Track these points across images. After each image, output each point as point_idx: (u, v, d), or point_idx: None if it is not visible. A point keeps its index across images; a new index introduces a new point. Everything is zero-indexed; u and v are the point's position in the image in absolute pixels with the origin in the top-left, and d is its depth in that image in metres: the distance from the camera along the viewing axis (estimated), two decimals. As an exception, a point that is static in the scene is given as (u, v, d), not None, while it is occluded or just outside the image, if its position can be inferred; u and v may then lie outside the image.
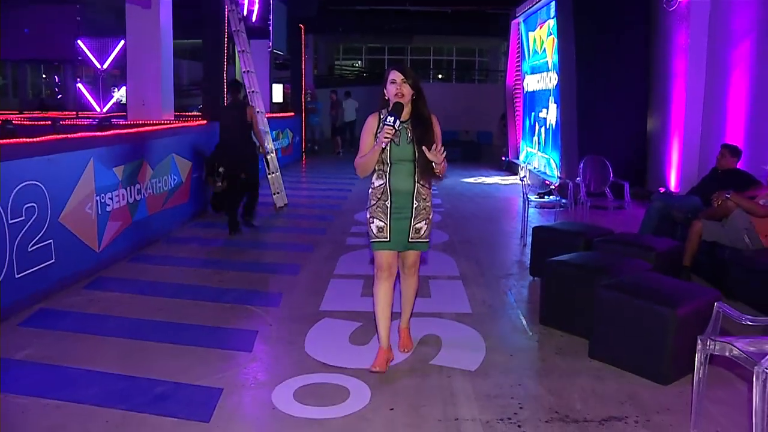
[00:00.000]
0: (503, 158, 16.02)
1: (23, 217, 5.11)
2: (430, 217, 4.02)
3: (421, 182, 3.92)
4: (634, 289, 4.15)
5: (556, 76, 11.73)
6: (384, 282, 3.98)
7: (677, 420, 3.52)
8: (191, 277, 6.28)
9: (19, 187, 5.05)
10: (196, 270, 6.51)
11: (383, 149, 3.83)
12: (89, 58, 12.43)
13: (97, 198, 6.26)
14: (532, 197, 8.30)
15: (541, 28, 13.01)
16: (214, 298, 5.60)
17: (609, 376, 4.05)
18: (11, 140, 5.47)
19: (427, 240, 4.06)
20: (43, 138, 5.77)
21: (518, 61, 15.71)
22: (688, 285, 4.48)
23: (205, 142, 9.54)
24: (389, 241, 3.94)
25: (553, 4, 11.52)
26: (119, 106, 13.44)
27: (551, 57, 12.18)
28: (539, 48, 13.26)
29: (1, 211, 4.83)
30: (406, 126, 3.88)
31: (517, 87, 15.81)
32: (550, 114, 12.45)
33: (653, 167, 11.01)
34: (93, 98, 12.86)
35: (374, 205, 3.97)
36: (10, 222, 4.95)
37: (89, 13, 13.35)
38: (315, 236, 8.05)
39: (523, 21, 14.80)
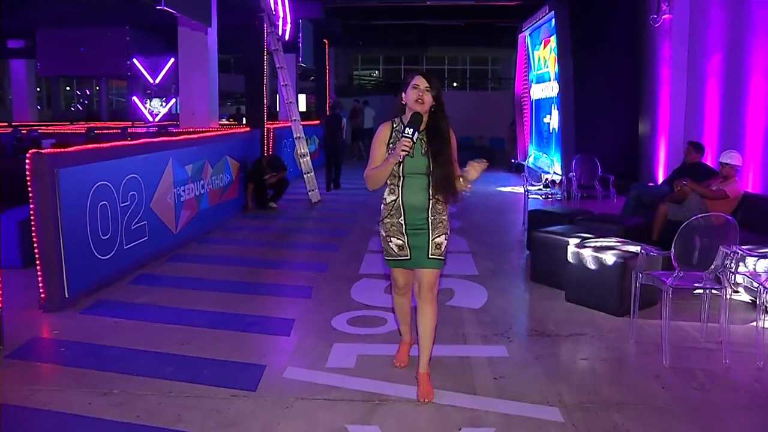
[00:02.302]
0: (512, 161, 17.41)
1: (128, 202, 6.61)
2: (448, 231, 3.82)
3: (436, 197, 3.73)
4: (596, 248, 5.57)
5: (557, 85, 13.11)
6: (404, 296, 4.05)
7: (622, 335, 4.92)
8: (252, 254, 7.76)
9: (126, 178, 6.55)
10: (254, 248, 8.01)
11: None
12: (143, 74, 14.01)
13: (175, 190, 7.77)
14: (532, 189, 9.70)
15: (544, 47, 14.41)
16: (274, 266, 7.12)
17: (578, 312, 5.46)
18: (115, 143, 6.96)
19: (444, 258, 3.83)
20: (137, 141, 7.28)
21: (526, 71, 17.11)
22: (638, 244, 5.81)
23: (249, 146, 11.06)
24: (410, 259, 3.78)
25: (553, 20, 12.92)
26: (165, 116, 14.99)
27: (553, 68, 13.56)
28: (543, 65, 14.68)
29: (117, 196, 6.33)
30: (421, 137, 3.67)
31: (524, 95, 17.20)
32: (553, 119, 13.83)
33: (645, 164, 12.36)
34: (146, 109, 14.46)
35: (387, 222, 3.78)
36: (121, 205, 6.45)
37: (140, 35, 14.91)
38: (347, 224, 9.50)
39: (529, 34, 16.20)
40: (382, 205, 3.82)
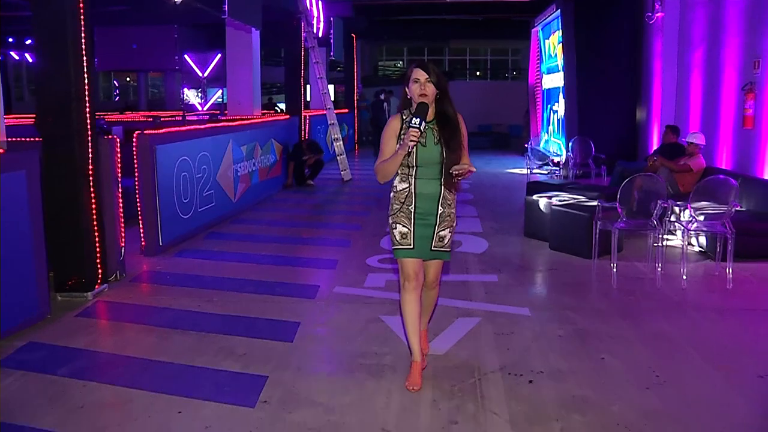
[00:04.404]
0: (526, 145, 18.87)
1: (201, 174, 8.25)
2: (454, 225, 3.87)
3: (447, 186, 3.78)
4: (572, 207, 7.10)
5: (564, 75, 14.55)
6: (412, 293, 3.84)
7: (587, 270, 6.47)
8: (298, 218, 9.42)
9: (200, 155, 8.19)
10: (300, 215, 9.69)
11: (408, 153, 3.66)
12: (193, 68, 15.70)
13: (234, 166, 9.40)
14: (535, 168, 11.22)
15: (554, 41, 15.85)
16: (318, 227, 8.79)
17: (557, 256, 7.02)
18: (193, 126, 8.60)
19: (450, 250, 3.90)
20: (206, 126, 8.93)
21: (538, 63, 18.55)
22: (596, 200, 7.29)
23: (289, 131, 12.69)
24: (413, 248, 3.79)
25: (559, 18, 14.36)
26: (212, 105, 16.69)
27: (560, 60, 15.00)
28: (552, 52, 16.12)
29: (194, 168, 7.97)
30: (431, 126, 3.72)
31: (537, 85, 18.65)
32: (560, 107, 15.28)
33: (641, 147, 13.79)
34: (200, 100, 16.20)
35: (398, 210, 3.81)
36: (196, 176, 8.09)
37: (188, 33, 16.58)
38: (376, 197, 11.09)
39: (541, 29, 17.63)
40: (392, 194, 3.86)
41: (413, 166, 3.73)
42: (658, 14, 12.65)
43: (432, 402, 3.69)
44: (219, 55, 15.07)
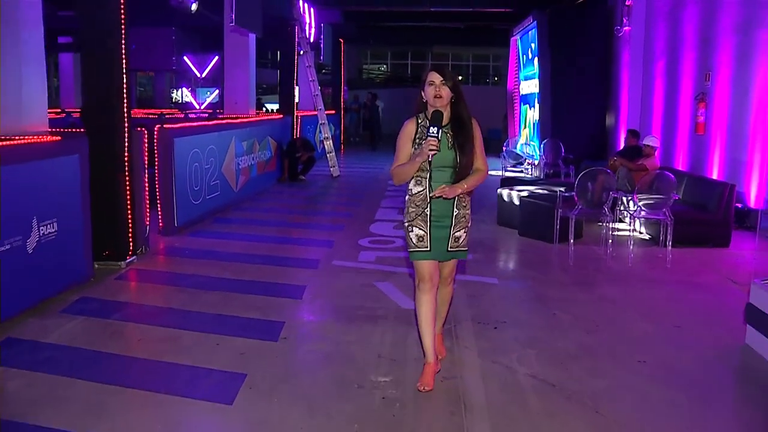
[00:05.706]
0: (504, 147, 19.94)
1: (209, 165, 9.18)
2: (469, 225, 3.94)
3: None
4: (538, 198, 8.13)
5: (539, 82, 15.63)
6: (427, 294, 3.89)
7: (549, 252, 7.49)
8: (295, 207, 10.39)
9: (208, 148, 9.13)
10: (296, 204, 10.68)
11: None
12: (191, 69, 16.60)
13: (236, 159, 10.34)
14: (509, 167, 12.26)
15: (530, 50, 16.95)
16: (313, 214, 9.77)
17: (525, 241, 8.04)
18: (202, 122, 9.53)
19: (466, 248, 3.99)
20: (212, 122, 9.87)
21: (517, 70, 19.64)
22: (566, 194, 8.36)
23: (283, 130, 13.64)
24: (429, 250, 3.83)
25: (535, 29, 15.45)
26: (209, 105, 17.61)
27: (536, 68, 16.08)
28: (529, 65, 17.22)
29: (203, 160, 8.91)
30: (446, 131, 3.75)
31: (515, 91, 19.74)
32: (536, 112, 16.36)
33: (610, 149, 14.89)
34: (194, 99, 17.10)
35: (412, 212, 3.85)
36: (205, 166, 9.02)
37: (186, 35, 17.47)
38: (364, 191, 12.10)
39: (519, 38, 18.71)
40: (407, 197, 3.91)
41: (428, 170, 3.79)
42: (626, 28, 13.75)
43: (416, 340, 4.66)
44: (216, 57, 16.00)
